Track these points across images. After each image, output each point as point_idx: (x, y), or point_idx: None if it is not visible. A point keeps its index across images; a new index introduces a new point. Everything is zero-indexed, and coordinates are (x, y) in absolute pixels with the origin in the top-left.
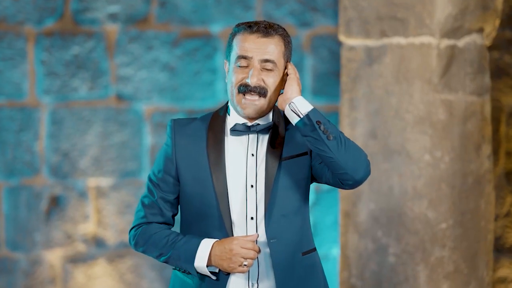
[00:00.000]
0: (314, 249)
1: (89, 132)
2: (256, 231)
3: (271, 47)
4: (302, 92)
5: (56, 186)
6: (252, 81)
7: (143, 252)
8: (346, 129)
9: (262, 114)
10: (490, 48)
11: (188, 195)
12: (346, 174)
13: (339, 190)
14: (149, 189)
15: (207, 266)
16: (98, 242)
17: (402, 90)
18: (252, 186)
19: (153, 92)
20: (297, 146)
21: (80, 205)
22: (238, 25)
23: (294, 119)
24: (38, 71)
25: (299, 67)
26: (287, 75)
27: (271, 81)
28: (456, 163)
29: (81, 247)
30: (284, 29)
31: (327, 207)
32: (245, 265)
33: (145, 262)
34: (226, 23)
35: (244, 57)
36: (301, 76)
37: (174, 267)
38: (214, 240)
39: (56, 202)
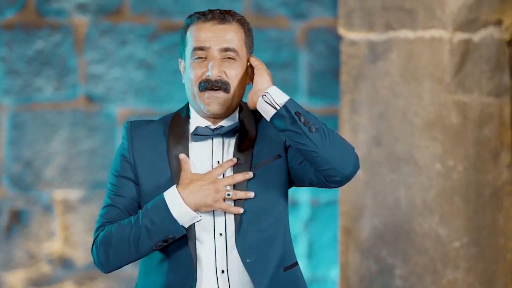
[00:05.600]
0: (296, 263)
1: (55, 138)
2: (226, 248)
3: (230, 34)
4: (296, 93)
5: (18, 199)
6: (213, 73)
7: (115, 258)
8: (347, 135)
9: (228, 110)
10: (510, 43)
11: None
12: (333, 170)
13: (339, 203)
14: (107, 198)
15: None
16: (65, 263)
17: (410, 90)
18: None
19: (127, 92)
20: (269, 149)
21: (44, 220)
22: (190, 16)
23: (269, 113)
24: None
25: (293, 65)
26: (252, 68)
27: (233, 73)
28: (470, 173)
29: (46, 268)
30: (243, 16)
31: (325, 223)
32: (229, 195)
33: (118, 285)
34: None
35: (201, 48)
36: (295, 75)
37: (136, 284)
38: (173, 186)
39: (17, 217)
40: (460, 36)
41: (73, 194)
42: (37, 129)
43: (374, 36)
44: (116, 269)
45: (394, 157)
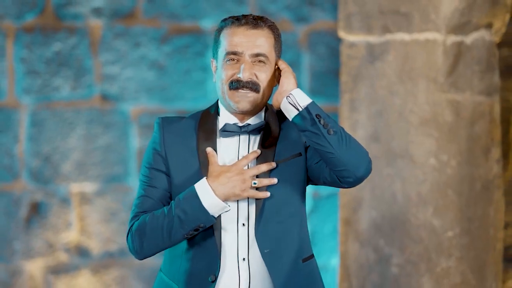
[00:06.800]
0: (313, 256)
1: (72, 135)
2: (248, 238)
3: (261, 40)
4: None
5: (37, 192)
6: (244, 75)
7: (149, 246)
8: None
9: (256, 108)
10: (500, 45)
11: (175, 196)
12: (347, 171)
13: (339, 196)
14: (141, 189)
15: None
16: (81, 252)
17: (406, 90)
18: None
19: (140, 92)
20: (291, 147)
21: (62, 212)
22: (224, 20)
23: (291, 113)
24: (17, 70)
25: (296, 65)
26: (279, 70)
27: (263, 76)
28: (463, 167)
29: (63, 257)
30: (274, 23)
31: (326, 215)
32: (254, 183)
33: (132, 273)
34: (218, 18)
35: (234, 53)
36: (297, 75)
37: (160, 269)
38: (203, 178)
39: (36, 209)
40: (453, 38)
41: (89, 187)
42: (55, 126)
43: (372, 39)
44: (150, 256)
45: (391, 152)
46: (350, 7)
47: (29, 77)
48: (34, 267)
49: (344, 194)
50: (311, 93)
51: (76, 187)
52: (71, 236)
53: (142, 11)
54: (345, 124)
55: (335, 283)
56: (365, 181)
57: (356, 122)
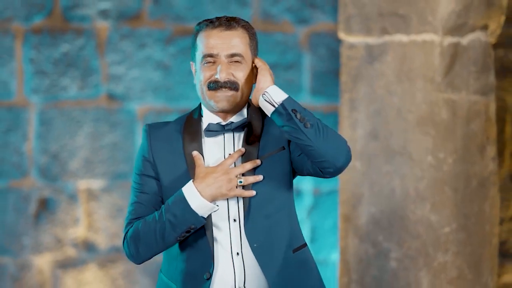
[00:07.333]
0: (305, 245)
1: (79, 133)
2: (240, 233)
3: (236, 40)
4: (300, 92)
5: (45, 188)
6: (221, 76)
7: (144, 250)
8: (346, 130)
9: (236, 107)
10: (495, 46)
11: (166, 199)
12: (327, 162)
13: (339, 192)
14: (133, 196)
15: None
16: (88, 247)
17: (404, 89)
18: None
19: (146, 91)
20: (274, 142)
21: (70, 208)
22: (199, 23)
23: (269, 110)
24: (26, 70)
25: (297, 66)
26: (256, 68)
27: (240, 75)
28: (459, 165)
29: (71, 252)
30: (247, 22)
31: (326, 211)
32: (240, 182)
33: (138, 267)
34: None
35: (210, 55)
36: (298, 76)
37: (160, 270)
38: (189, 181)
39: (45, 205)
40: (450, 39)
41: (96, 184)
42: (63, 125)
43: (371, 40)
44: (147, 260)
45: (390, 150)
46: (350, 9)
47: (38, 77)
48: (43, 262)
49: (344, 190)
50: (311, 93)
51: (83, 184)
52: (79, 231)
53: (147, 13)
54: (345, 122)
55: (335, 277)
56: (364, 177)
57: (355, 121)
